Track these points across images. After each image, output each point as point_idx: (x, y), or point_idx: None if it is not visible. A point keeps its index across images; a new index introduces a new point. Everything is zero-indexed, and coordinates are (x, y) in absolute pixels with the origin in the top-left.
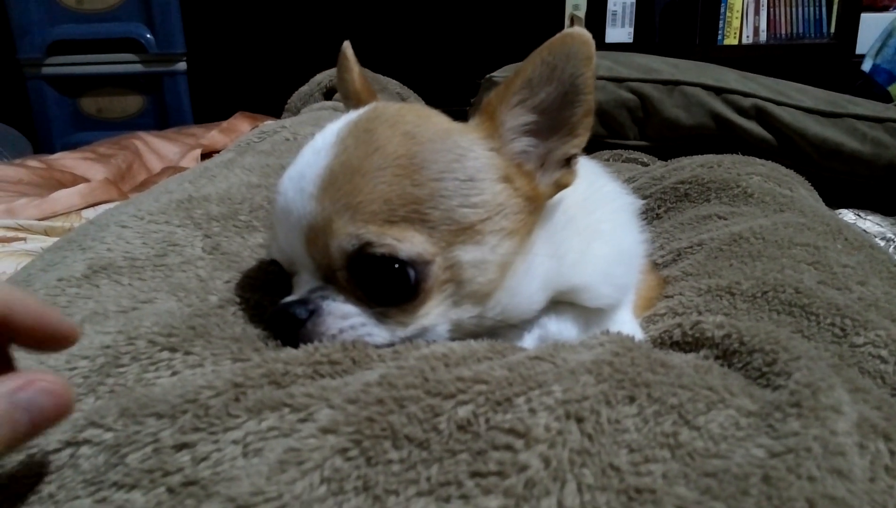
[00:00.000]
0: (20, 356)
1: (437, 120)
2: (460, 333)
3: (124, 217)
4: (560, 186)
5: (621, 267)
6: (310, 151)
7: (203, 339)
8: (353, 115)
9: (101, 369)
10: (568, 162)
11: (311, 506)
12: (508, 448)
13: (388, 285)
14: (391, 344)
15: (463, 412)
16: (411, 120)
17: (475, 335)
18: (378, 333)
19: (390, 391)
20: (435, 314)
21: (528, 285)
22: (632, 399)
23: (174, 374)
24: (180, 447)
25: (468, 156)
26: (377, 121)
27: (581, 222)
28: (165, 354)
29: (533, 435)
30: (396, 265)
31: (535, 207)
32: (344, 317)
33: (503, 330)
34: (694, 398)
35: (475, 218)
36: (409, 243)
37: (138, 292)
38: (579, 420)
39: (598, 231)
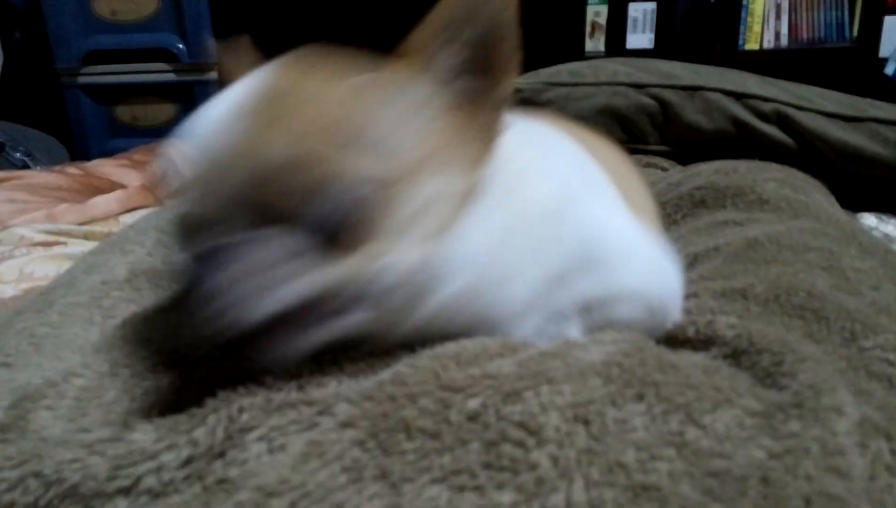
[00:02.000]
0: (68, 354)
1: (370, 60)
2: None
3: (163, 222)
4: (496, 125)
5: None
6: (236, 87)
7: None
8: (282, 58)
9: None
10: (499, 105)
11: (333, 493)
12: (520, 444)
13: (329, 216)
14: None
15: (473, 403)
16: (344, 60)
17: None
18: (314, 280)
19: (402, 388)
20: (378, 255)
21: (477, 235)
22: (640, 398)
23: (204, 380)
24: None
25: (405, 91)
26: (311, 60)
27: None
28: (197, 362)
29: (544, 435)
30: (341, 192)
31: (478, 146)
32: (275, 262)
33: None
34: (701, 397)
35: (417, 154)
36: (355, 172)
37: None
38: (586, 423)
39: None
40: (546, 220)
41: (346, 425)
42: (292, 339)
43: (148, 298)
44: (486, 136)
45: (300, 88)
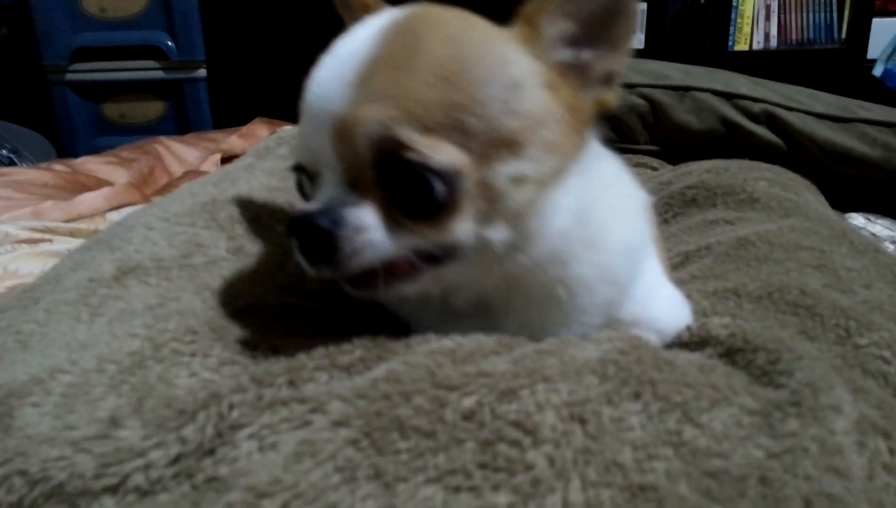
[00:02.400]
0: (54, 351)
1: (481, 25)
2: (483, 266)
3: (151, 219)
4: (602, 105)
5: (625, 262)
6: (349, 40)
7: (222, 342)
8: (395, 11)
9: (128, 369)
10: (610, 80)
11: (326, 493)
12: (516, 444)
13: (416, 196)
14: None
15: (468, 402)
16: (455, 24)
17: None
18: (400, 246)
19: (396, 387)
20: (462, 230)
21: (559, 216)
22: (637, 396)
23: (193, 376)
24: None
25: (511, 62)
26: (420, 21)
27: (604, 198)
28: (185, 358)
29: (540, 435)
30: (427, 176)
31: (578, 125)
32: (365, 230)
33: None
34: (698, 395)
35: (517, 127)
36: (444, 155)
37: (165, 292)
38: (582, 422)
39: (616, 215)
40: (612, 245)
41: (340, 423)
42: (395, 283)
43: (136, 295)
44: (585, 115)
45: (407, 57)
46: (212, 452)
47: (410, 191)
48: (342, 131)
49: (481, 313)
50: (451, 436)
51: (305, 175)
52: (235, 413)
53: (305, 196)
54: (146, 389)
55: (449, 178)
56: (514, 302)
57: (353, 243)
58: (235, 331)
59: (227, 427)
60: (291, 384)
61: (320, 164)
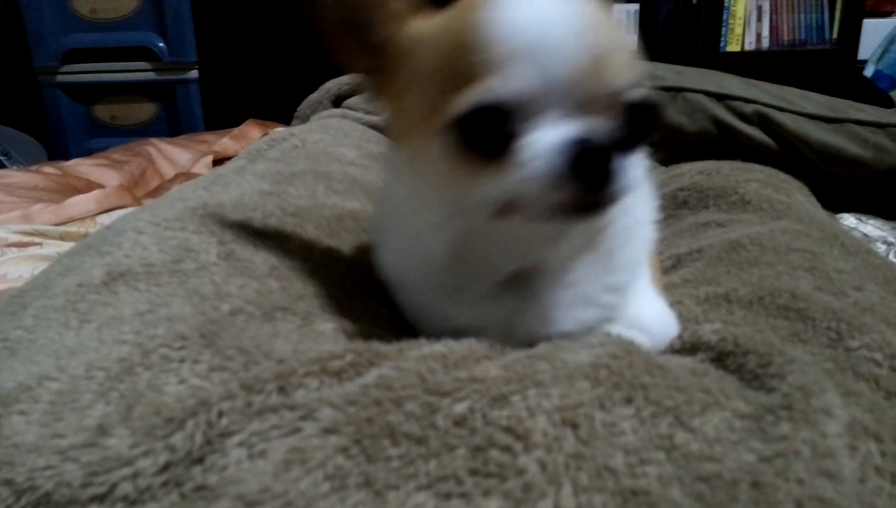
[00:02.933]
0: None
1: None
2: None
3: (141, 223)
4: None
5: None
6: None
7: (212, 349)
8: None
9: (116, 376)
10: None
11: (316, 502)
12: (507, 449)
13: (644, 130)
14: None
15: (459, 408)
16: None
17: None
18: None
19: (388, 393)
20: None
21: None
22: (629, 401)
23: (182, 382)
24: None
25: None
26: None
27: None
28: (174, 365)
29: (532, 440)
30: (655, 113)
31: None
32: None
33: None
34: (689, 399)
35: None
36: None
37: (155, 298)
38: (574, 427)
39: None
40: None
41: (330, 431)
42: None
43: (125, 301)
44: None
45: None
46: (201, 460)
47: (641, 125)
48: (595, 68)
49: (503, 292)
50: (442, 442)
51: (503, 113)
52: (224, 421)
53: (498, 135)
54: (135, 396)
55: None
56: (551, 270)
57: (620, 169)
58: (226, 336)
59: (216, 435)
60: (281, 390)
61: (551, 97)
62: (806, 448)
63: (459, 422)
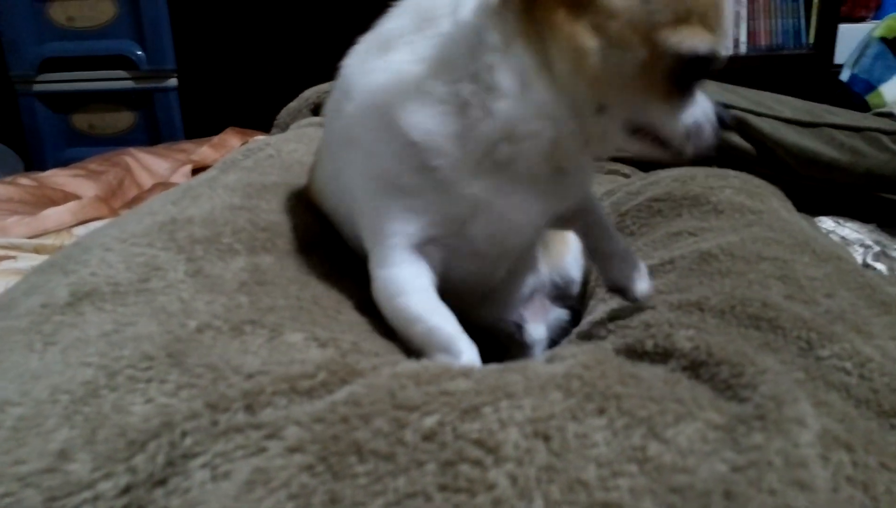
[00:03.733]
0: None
1: None
2: None
3: (108, 240)
4: None
5: None
6: None
7: (179, 368)
8: None
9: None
10: None
11: None
12: (477, 463)
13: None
14: None
15: (429, 421)
16: None
17: None
18: None
19: (356, 409)
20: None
21: None
22: (601, 412)
23: (149, 402)
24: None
25: None
26: None
27: None
28: (141, 385)
29: (502, 454)
30: None
31: None
32: None
33: None
34: (663, 410)
35: None
36: None
37: (121, 317)
38: (546, 439)
39: None
40: None
41: (295, 450)
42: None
43: (91, 321)
44: None
45: None
46: (163, 482)
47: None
48: None
49: (547, 180)
50: (411, 458)
51: (706, 63)
52: (188, 441)
53: (693, 78)
54: (100, 419)
55: None
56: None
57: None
58: (193, 354)
59: (180, 456)
60: (248, 408)
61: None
62: (778, 457)
63: (429, 437)
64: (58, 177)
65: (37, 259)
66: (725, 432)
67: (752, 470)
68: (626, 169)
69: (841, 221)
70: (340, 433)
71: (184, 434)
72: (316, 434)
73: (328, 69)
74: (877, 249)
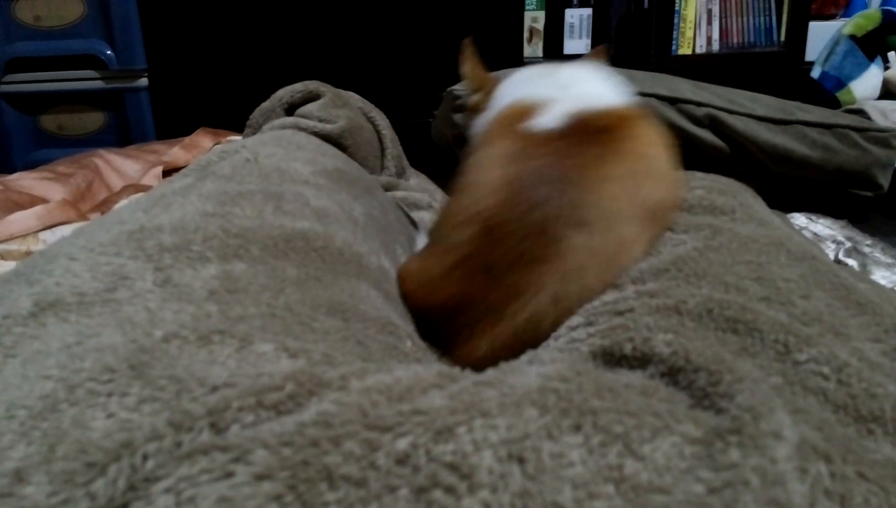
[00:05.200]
0: None
1: None
2: None
3: (74, 249)
4: None
5: None
6: None
7: (142, 380)
8: None
9: (39, 415)
10: None
11: None
12: (451, 490)
13: None
14: None
15: (402, 444)
16: None
17: None
18: None
19: (326, 431)
20: None
21: None
22: (577, 428)
23: (110, 417)
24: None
25: None
26: None
27: None
28: (102, 399)
29: (476, 479)
30: None
31: None
32: None
33: None
34: (640, 425)
35: None
36: None
37: (85, 329)
38: (521, 461)
39: None
40: None
41: (262, 477)
42: None
43: (53, 333)
44: None
45: None
46: (124, 507)
47: None
48: None
49: None
50: (383, 484)
51: None
52: (150, 464)
53: None
54: (58, 435)
55: None
56: None
57: None
58: (157, 365)
59: (141, 480)
60: (213, 426)
61: None
62: (755, 476)
63: (402, 460)
64: (24, 180)
65: (3, 266)
66: (702, 447)
67: (728, 491)
68: None
69: (813, 217)
70: (310, 457)
71: (145, 457)
72: (284, 459)
73: (301, 69)
74: (848, 245)
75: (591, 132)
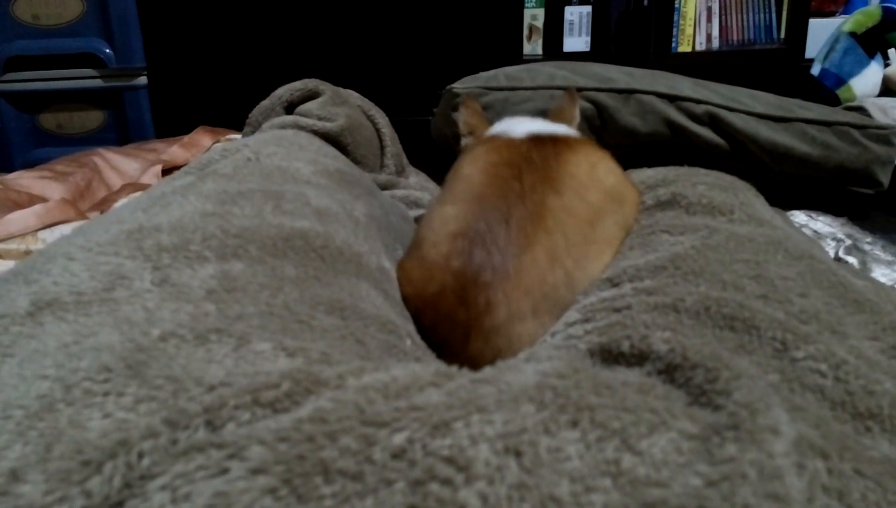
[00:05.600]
0: None
1: None
2: None
3: (72, 249)
4: None
5: None
6: None
7: (139, 379)
8: None
9: (36, 414)
10: None
11: None
12: (448, 483)
13: None
14: None
15: (398, 438)
16: None
17: None
18: None
19: (322, 427)
20: None
21: None
22: (574, 424)
23: (106, 417)
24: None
25: None
26: None
27: None
28: (98, 399)
29: (473, 472)
30: None
31: None
32: None
33: None
34: (637, 421)
35: None
36: None
37: (82, 328)
38: (518, 455)
39: None
40: None
41: (258, 471)
42: None
43: (51, 332)
44: None
45: None
46: (120, 505)
47: None
48: None
49: None
50: (379, 477)
51: None
52: (146, 462)
53: None
54: (55, 435)
55: None
56: None
57: None
58: (154, 365)
59: (137, 478)
60: (209, 424)
61: None
62: (752, 470)
63: (398, 454)
64: (23, 179)
65: (2, 265)
66: (699, 442)
67: (726, 484)
68: None
69: (813, 215)
70: (306, 452)
71: (141, 455)
72: (280, 454)
73: (300, 67)
74: (848, 242)
75: (546, 142)
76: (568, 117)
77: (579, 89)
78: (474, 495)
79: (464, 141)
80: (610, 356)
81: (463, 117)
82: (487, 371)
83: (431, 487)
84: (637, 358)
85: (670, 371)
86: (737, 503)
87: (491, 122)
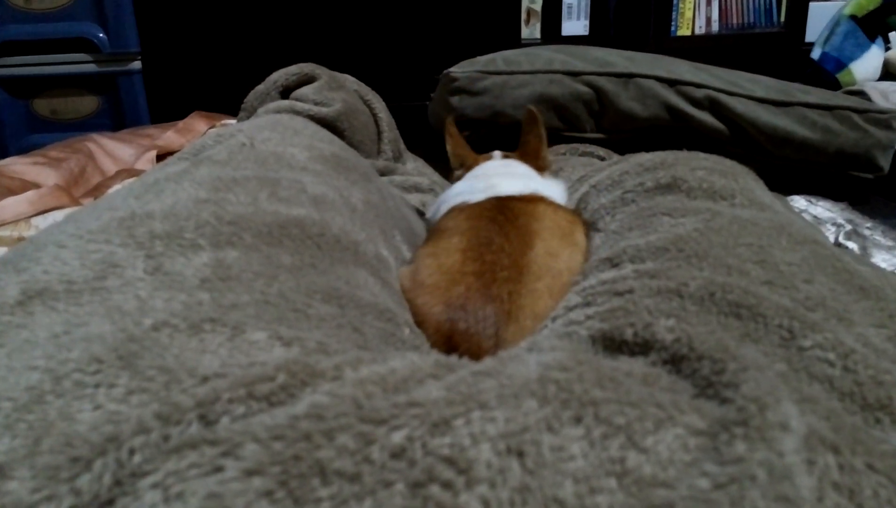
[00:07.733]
0: None
1: None
2: None
3: (63, 237)
4: None
5: None
6: None
7: (130, 371)
8: None
9: (25, 406)
10: None
11: None
12: (448, 486)
13: None
14: None
15: (397, 437)
16: None
17: None
18: None
19: (319, 424)
20: None
21: None
22: (578, 420)
23: (97, 409)
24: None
25: None
26: None
27: None
28: (89, 390)
29: (474, 474)
30: None
31: None
32: None
33: None
34: (642, 416)
35: None
36: None
37: (73, 318)
38: (520, 455)
39: None
40: None
41: (253, 472)
42: None
43: (40, 322)
44: None
45: None
46: (110, 503)
47: None
48: None
49: None
50: (378, 479)
51: None
52: (137, 459)
53: None
54: (44, 427)
55: None
56: None
57: None
58: (146, 355)
59: (128, 475)
60: (202, 419)
61: None
62: (762, 470)
63: (397, 454)
64: (16, 165)
65: None
66: (707, 439)
67: (735, 487)
68: (602, 151)
69: (813, 200)
70: (302, 452)
71: (132, 452)
72: (276, 454)
73: (296, 51)
74: (848, 227)
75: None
76: (533, 150)
77: (578, 73)
78: (476, 499)
79: (457, 174)
80: (613, 343)
81: (450, 149)
82: (489, 363)
83: (431, 490)
84: (641, 347)
85: (676, 362)
86: (746, 506)
87: (475, 159)
